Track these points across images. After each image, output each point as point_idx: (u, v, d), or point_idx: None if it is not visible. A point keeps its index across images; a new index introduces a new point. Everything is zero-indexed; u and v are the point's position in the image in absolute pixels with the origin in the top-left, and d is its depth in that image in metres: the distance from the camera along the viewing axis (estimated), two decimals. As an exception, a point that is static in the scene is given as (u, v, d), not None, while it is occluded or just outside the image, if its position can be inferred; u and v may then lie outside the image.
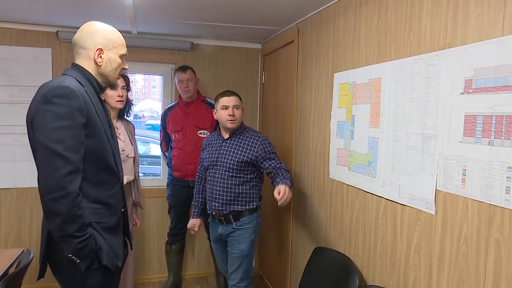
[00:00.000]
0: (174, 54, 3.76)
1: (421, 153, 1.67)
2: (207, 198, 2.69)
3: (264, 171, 2.58)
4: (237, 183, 2.56)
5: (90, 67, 1.73)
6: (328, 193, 2.49)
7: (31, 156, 1.66)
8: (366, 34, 2.08)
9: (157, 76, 4.01)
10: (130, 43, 3.67)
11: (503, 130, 1.29)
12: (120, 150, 2.63)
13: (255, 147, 2.55)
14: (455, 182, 1.48)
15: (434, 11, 1.60)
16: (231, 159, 2.55)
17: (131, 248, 2.04)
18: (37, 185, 1.52)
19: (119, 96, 2.61)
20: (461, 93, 1.45)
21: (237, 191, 2.56)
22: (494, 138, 1.33)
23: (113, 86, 1.87)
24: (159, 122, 3.69)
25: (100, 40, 1.72)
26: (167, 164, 3.58)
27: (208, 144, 2.76)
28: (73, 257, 1.55)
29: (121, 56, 1.79)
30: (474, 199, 1.41)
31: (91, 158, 1.62)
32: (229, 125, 2.57)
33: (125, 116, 2.85)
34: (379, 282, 1.96)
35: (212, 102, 3.40)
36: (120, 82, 2.65)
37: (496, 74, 1.32)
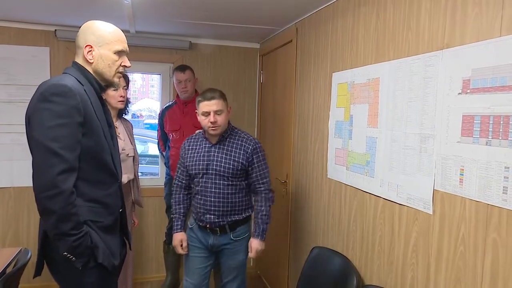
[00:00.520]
0: (173, 54, 3.76)
1: (419, 153, 1.67)
2: (196, 209, 2.44)
3: (248, 181, 2.45)
4: (233, 191, 2.37)
5: (87, 66, 1.72)
6: (326, 193, 2.50)
7: (29, 155, 1.64)
8: (364, 34, 2.09)
9: (155, 76, 4.01)
10: (128, 42, 3.66)
11: (501, 130, 1.30)
12: (120, 149, 2.60)
13: (247, 151, 2.37)
14: (453, 182, 1.49)
15: (433, 11, 1.61)
16: (225, 166, 2.35)
17: (130, 248, 2.03)
18: (35, 185, 1.52)
19: (121, 96, 2.59)
20: (459, 93, 1.46)
21: (234, 200, 2.38)
22: (492, 138, 1.33)
23: (111, 84, 1.84)
24: (157, 121, 3.69)
25: (90, 37, 1.69)
26: (165, 163, 3.58)
27: (191, 148, 2.48)
28: (69, 255, 1.55)
29: (117, 53, 1.74)
30: (471, 199, 1.41)
31: (88, 157, 1.61)
32: (212, 132, 2.33)
33: (124, 115, 2.84)
34: (377, 281, 1.96)
35: None
36: (121, 82, 2.61)
37: (494, 74, 1.32)
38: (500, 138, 1.30)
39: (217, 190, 2.35)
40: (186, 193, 2.56)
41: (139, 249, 3.80)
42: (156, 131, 3.68)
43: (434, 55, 1.58)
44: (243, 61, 3.97)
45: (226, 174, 2.34)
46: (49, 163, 1.49)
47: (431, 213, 1.60)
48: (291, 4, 2.56)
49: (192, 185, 2.49)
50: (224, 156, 2.36)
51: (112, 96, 2.56)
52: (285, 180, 3.19)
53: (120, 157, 2.61)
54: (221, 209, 2.36)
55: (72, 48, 1.67)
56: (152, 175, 4.29)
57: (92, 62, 1.70)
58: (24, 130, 1.66)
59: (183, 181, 2.54)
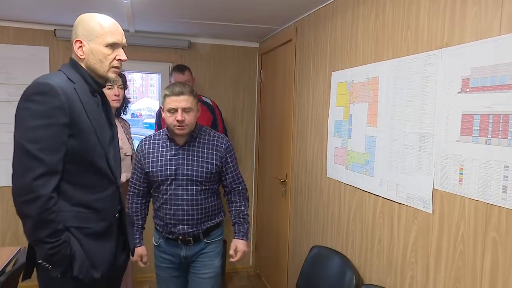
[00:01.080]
0: (172, 53, 3.75)
1: (418, 152, 1.67)
2: (164, 221, 2.15)
3: (221, 183, 2.27)
4: (206, 196, 2.15)
5: (80, 62, 1.61)
6: (325, 192, 2.50)
7: None
8: (363, 33, 2.08)
9: (155, 75, 4.01)
10: (128, 42, 3.66)
11: (500, 129, 1.30)
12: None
13: (220, 150, 2.17)
14: (452, 181, 1.48)
15: (432, 10, 1.61)
16: (197, 169, 2.11)
17: (132, 254, 1.90)
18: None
19: (115, 95, 2.55)
20: (459, 92, 1.46)
21: (207, 205, 2.15)
22: (491, 137, 1.33)
23: (107, 80, 1.68)
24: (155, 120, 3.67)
25: (80, 32, 1.58)
26: None
27: (152, 152, 2.17)
28: (44, 263, 1.46)
29: (109, 46, 1.59)
30: (471, 198, 1.41)
31: (76, 160, 1.52)
32: (178, 131, 2.06)
33: (122, 114, 2.83)
34: (376, 281, 1.96)
35: (208, 101, 3.40)
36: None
37: (493, 73, 1.32)
38: (500, 137, 1.30)
39: (189, 197, 2.10)
40: (144, 201, 2.29)
41: (139, 249, 3.80)
42: (154, 131, 3.65)
43: (433, 54, 1.58)
44: (242, 60, 3.96)
45: (199, 179, 2.11)
46: (27, 166, 1.41)
47: (431, 212, 1.60)
48: (291, 4, 2.56)
49: (156, 194, 2.19)
50: (195, 158, 2.12)
51: (107, 95, 2.52)
52: (284, 179, 3.19)
53: None
54: (194, 217, 2.12)
55: (71, 48, 1.64)
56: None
57: (84, 58, 1.59)
58: None
59: (140, 188, 2.25)
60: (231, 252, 2.23)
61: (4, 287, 1.90)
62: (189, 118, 2.06)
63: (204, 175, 2.11)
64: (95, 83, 1.64)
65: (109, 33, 1.59)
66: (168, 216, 2.13)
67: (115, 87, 2.55)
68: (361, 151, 2.08)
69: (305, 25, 2.83)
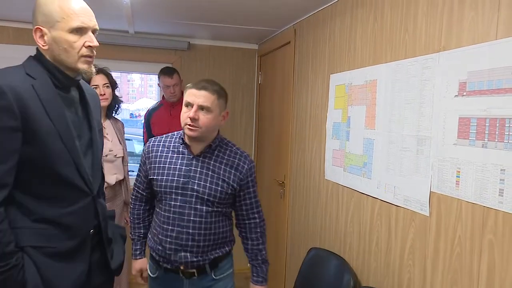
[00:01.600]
0: (171, 54, 3.76)
1: (415, 155, 1.68)
2: (161, 244, 1.78)
3: (235, 210, 1.90)
4: (217, 219, 1.79)
5: (45, 53, 1.36)
6: (323, 194, 2.50)
7: None
8: (362, 36, 2.09)
9: (154, 76, 4.00)
10: (128, 43, 3.72)
11: (497, 132, 1.31)
12: (108, 150, 2.47)
13: (242, 171, 1.81)
14: (449, 184, 1.49)
15: (429, 14, 1.61)
16: (210, 186, 1.74)
17: (116, 273, 1.63)
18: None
19: (101, 95, 2.37)
20: (456, 95, 1.47)
21: (217, 230, 1.79)
22: (488, 140, 1.34)
23: (78, 72, 1.40)
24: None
25: (39, 18, 1.32)
26: None
27: (161, 155, 1.83)
28: None
29: (73, 31, 1.32)
30: (468, 201, 1.42)
31: (35, 169, 1.30)
32: (188, 131, 1.73)
33: (114, 114, 2.72)
34: (373, 283, 1.97)
35: None
36: (101, 80, 2.44)
37: (490, 77, 1.33)
38: (496, 140, 1.31)
39: (197, 219, 1.74)
40: (147, 207, 1.96)
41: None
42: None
43: (431, 57, 1.59)
44: (241, 62, 3.97)
45: (211, 198, 1.74)
46: None
47: (428, 215, 1.60)
48: (289, 6, 2.57)
49: (157, 209, 1.85)
50: (209, 173, 1.76)
51: None
52: (282, 181, 3.20)
53: (108, 158, 2.50)
54: (201, 243, 1.75)
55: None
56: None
57: (47, 48, 1.34)
58: None
59: (143, 193, 1.93)
60: None
61: None
62: (205, 120, 1.70)
63: (218, 194, 1.75)
64: (64, 77, 1.39)
65: (72, 16, 1.31)
66: (168, 240, 1.75)
67: (100, 86, 2.42)
68: (359, 153, 2.09)
69: (304, 28, 2.84)
